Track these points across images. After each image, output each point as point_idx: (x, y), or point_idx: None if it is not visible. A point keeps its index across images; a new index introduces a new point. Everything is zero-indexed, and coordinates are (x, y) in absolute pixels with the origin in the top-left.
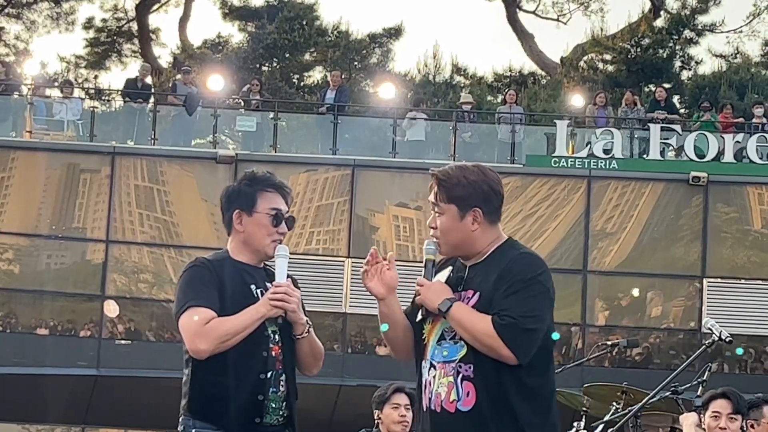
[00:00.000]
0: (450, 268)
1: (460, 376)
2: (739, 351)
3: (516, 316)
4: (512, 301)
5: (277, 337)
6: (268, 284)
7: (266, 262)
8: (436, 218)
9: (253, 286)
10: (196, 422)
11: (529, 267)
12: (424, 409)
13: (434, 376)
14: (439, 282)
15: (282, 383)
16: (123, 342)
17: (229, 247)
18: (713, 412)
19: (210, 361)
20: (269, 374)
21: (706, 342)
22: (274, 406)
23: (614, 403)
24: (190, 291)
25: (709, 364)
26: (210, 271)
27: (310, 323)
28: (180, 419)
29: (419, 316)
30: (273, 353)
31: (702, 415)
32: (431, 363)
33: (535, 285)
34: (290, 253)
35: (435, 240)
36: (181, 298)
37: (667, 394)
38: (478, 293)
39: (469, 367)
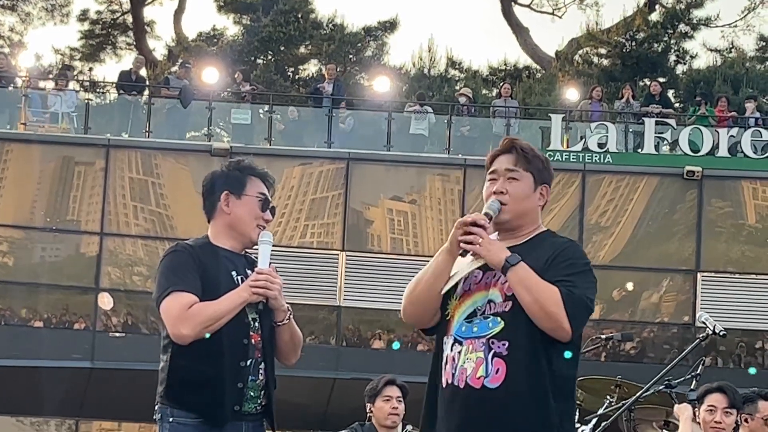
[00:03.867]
0: None
1: (492, 352)
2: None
3: (580, 292)
4: (576, 279)
5: (257, 324)
6: (249, 271)
7: (247, 250)
8: (506, 183)
9: (233, 273)
10: (174, 410)
11: (583, 254)
12: (444, 385)
13: (459, 352)
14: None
15: (261, 371)
16: (117, 334)
17: (210, 233)
18: (709, 406)
19: (189, 348)
20: (249, 362)
21: (700, 336)
22: (252, 394)
23: (608, 397)
24: (172, 275)
25: (703, 357)
26: (192, 256)
27: (291, 310)
28: (156, 407)
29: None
30: (253, 341)
31: (697, 409)
32: (455, 338)
33: (591, 273)
34: (285, 246)
35: (500, 204)
36: (162, 282)
37: (661, 387)
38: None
39: (503, 344)
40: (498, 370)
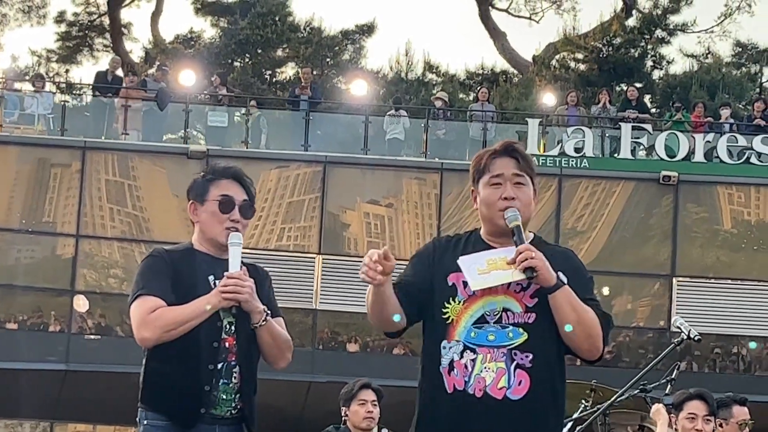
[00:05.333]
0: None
1: (514, 363)
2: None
3: (607, 313)
4: (596, 297)
5: (232, 328)
6: None
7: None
8: (514, 189)
9: (211, 277)
10: (148, 413)
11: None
12: (450, 391)
13: (474, 360)
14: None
15: (235, 375)
16: (92, 337)
17: (193, 239)
18: (689, 413)
19: (160, 351)
20: (220, 365)
21: (675, 340)
22: (225, 397)
23: (583, 401)
24: (142, 281)
25: (678, 362)
26: (165, 262)
27: (268, 312)
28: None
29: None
30: (226, 344)
31: (674, 416)
32: (466, 345)
33: None
34: (262, 250)
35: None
36: (133, 288)
37: (636, 392)
38: None
39: (527, 356)
40: (521, 382)
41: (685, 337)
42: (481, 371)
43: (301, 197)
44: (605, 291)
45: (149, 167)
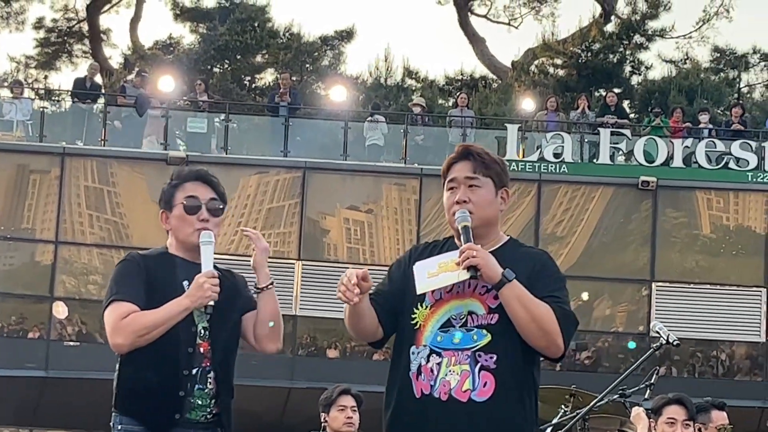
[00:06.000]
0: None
1: (478, 365)
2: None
3: (569, 309)
4: (562, 294)
5: (207, 333)
6: None
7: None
8: (467, 192)
9: (185, 282)
10: (122, 418)
11: (558, 267)
12: (418, 396)
13: (439, 363)
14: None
15: (210, 380)
16: (72, 343)
17: (167, 244)
18: (668, 418)
19: (133, 357)
20: (194, 371)
21: (654, 345)
22: (200, 402)
23: (563, 406)
24: (115, 286)
25: (657, 367)
26: (138, 266)
27: (272, 279)
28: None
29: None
30: (201, 350)
31: (653, 421)
32: (432, 349)
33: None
34: (241, 255)
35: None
36: (107, 293)
37: (615, 397)
38: None
39: (491, 357)
40: (486, 383)
41: (664, 341)
42: (446, 374)
43: (280, 203)
44: (585, 296)
45: (128, 173)
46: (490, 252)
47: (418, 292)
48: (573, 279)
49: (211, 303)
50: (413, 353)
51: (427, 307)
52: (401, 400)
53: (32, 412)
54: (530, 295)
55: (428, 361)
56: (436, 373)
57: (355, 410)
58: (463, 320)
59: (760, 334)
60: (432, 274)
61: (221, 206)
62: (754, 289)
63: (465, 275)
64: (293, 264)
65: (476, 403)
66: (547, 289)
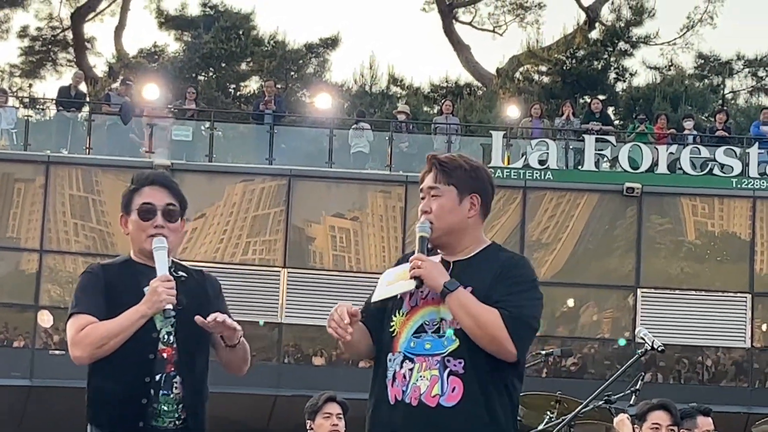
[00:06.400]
0: None
1: (447, 370)
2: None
3: (523, 313)
4: (519, 299)
5: (170, 338)
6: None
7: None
8: (430, 201)
9: (146, 288)
10: (93, 428)
11: (530, 270)
12: (392, 402)
13: (411, 369)
14: (436, 261)
15: (176, 386)
16: (57, 352)
17: (131, 250)
18: (653, 423)
19: (99, 367)
20: (158, 377)
21: (639, 351)
22: (166, 409)
23: (548, 413)
24: (75, 299)
25: (643, 373)
26: (98, 277)
27: (241, 330)
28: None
29: (381, 301)
30: (164, 355)
31: (637, 426)
32: (406, 355)
33: (537, 290)
34: (227, 263)
35: (429, 223)
36: (70, 307)
37: (600, 403)
38: (469, 288)
39: (459, 362)
40: (454, 388)
41: (649, 348)
42: (417, 380)
43: (266, 211)
44: (570, 303)
45: (113, 182)
46: (462, 260)
47: (373, 300)
48: (558, 286)
49: (169, 307)
50: (390, 360)
51: (403, 314)
52: (378, 406)
53: (17, 421)
54: (475, 302)
55: (401, 367)
56: (408, 378)
57: (340, 417)
58: (436, 326)
59: (745, 339)
60: (390, 283)
61: (180, 212)
62: (740, 294)
63: (413, 284)
64: (279, 272)
65: (444, 408)
66: (504, 293)
